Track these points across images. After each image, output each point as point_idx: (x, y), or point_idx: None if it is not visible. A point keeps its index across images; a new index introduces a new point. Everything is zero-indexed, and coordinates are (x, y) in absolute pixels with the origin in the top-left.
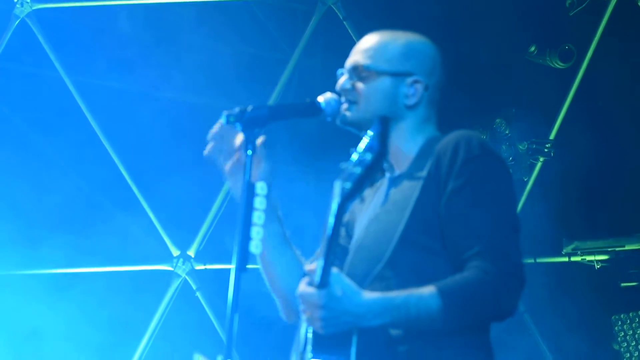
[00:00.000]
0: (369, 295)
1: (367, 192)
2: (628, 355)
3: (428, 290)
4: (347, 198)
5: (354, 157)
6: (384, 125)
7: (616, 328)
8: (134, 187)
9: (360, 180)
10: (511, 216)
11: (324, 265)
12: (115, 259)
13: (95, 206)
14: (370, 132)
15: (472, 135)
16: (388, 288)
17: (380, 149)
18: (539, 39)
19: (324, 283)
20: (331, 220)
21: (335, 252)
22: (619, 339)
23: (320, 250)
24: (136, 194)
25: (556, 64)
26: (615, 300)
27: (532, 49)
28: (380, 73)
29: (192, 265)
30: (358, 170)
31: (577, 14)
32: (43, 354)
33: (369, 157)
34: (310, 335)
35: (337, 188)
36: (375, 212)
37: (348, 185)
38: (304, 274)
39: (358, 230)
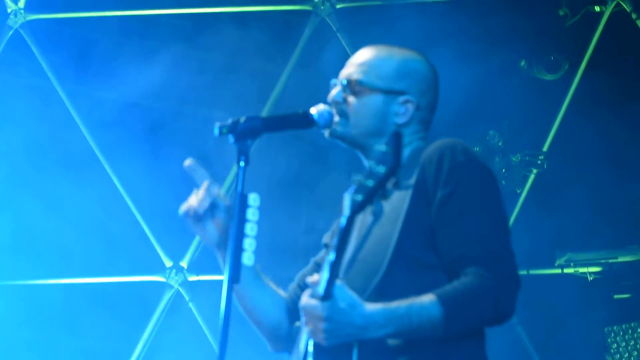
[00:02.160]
0: (372, 306)
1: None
2: None
3: (428, 298)
4: (357, 210)
5: (366, 169)
6: (398, 140)
7: (609, 340)
8: (127, 197)
9: (372, 192)
10: (501, 219)
11: (329, 277)
12: (107, 269)
13: (88, 216)
14: (382, 146)
15: (455, 142)
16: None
17: (394, 162)
18: (532, 50)
19: (327, 295)
20: (339, 232)
21: (340, 265)
22: (612, 350)
23: (323, 261)
24: (129, 205)
25: (544, 76)
26: (609, 312)
27: (522, 63)
28: (372, 89)
29: (185, 276)
30: (370, 182)
31: (571, 26)
32: None
33: (381, 170)
34: (310, 348)
35: (347, 200)
36: (368, 226)
37: (359, 197)
38: (306, 285)
39: (352, 243)
